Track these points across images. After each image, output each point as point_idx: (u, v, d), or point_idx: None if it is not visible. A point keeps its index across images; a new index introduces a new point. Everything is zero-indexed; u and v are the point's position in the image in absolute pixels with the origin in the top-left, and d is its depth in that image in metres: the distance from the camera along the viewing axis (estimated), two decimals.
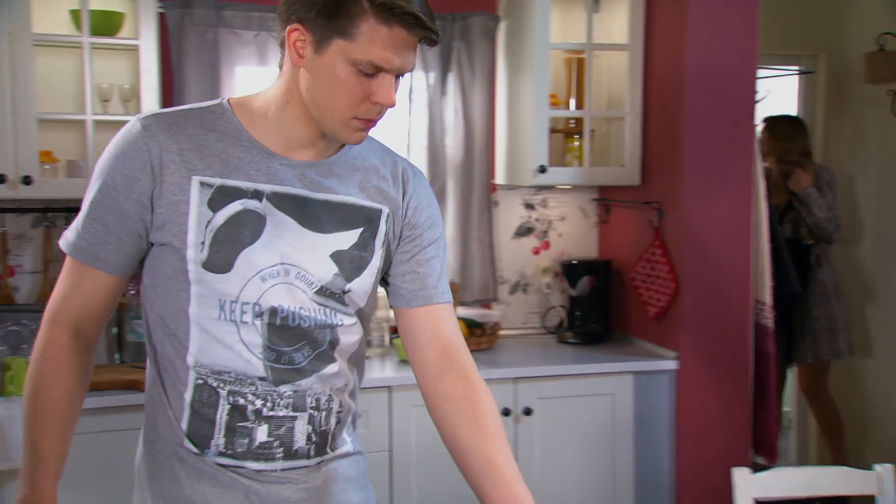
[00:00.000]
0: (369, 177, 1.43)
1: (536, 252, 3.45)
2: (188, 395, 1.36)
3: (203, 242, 1.31)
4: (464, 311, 3.25)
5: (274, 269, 1.34)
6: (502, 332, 3.37)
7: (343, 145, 1.42)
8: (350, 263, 1.39)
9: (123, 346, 2.82)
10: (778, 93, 4.33)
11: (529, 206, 3.43)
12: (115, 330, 2.82)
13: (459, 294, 3.27)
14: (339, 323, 1.40)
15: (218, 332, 1.33)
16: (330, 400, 1.41)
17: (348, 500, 1.44)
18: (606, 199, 3.41)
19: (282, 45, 1.33)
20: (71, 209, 2.83)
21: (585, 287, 3.28)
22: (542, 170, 3.05)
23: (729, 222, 2.96)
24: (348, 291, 1.40)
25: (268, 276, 1.33)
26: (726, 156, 2.94)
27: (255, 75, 3.05)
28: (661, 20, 3.03)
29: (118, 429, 2.49)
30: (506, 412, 2.84)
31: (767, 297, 3.04)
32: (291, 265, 1.35)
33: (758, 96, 3.01)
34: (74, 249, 1.35)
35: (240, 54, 3.01)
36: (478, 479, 1.37)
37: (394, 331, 3.08)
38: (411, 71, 1.35)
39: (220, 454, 1.37)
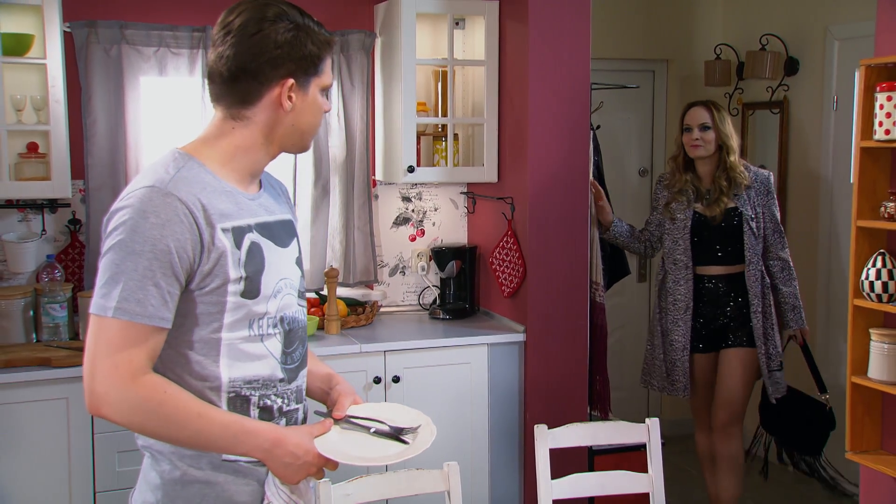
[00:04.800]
0: (280, 196, 1.79)
1: (413, 239, 3.92)
2: (223, 408, 1.59)
3: (241, 277, 1.57)
4: (346, 292, 3.72)
5: (278, 284, 1.64)
6: (384, 309, 3.86)
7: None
8: (300, 265, 1.75)
9: (39, 327, 3.21)
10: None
11: (406, 199, 3.90)
12: (31, 312, 3.21)
13: (343, 276, 3.73)
14: (305, 318, 1.74)
15: (247, 347, 1.60)
16: (305, 390, 1.76)
17: None
18: (472, 192, 3.90)
19: (245, 102, 1.59)
20: None
21: (453, 270, 3.78)
22: (411, 169, 3.51)
23: (568, 215, 3.46)
24: (304, 289, 1.77)
25: (277, 293, 1.64)
26: (564, 157, 3.43)
27: (156, 85, 3.44)
28: (511, 39, 3.49)
29: (33, 400, 2.91)
30: (377, 380, 3.32)
31: (600, 278, 3.57)
32: (285, 278, 1.66)
33: (592, 106, 3.51)
34: (142, 316, 1.48)
35: (142, 68, 3.40)
36: None
37: None
38: None
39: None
